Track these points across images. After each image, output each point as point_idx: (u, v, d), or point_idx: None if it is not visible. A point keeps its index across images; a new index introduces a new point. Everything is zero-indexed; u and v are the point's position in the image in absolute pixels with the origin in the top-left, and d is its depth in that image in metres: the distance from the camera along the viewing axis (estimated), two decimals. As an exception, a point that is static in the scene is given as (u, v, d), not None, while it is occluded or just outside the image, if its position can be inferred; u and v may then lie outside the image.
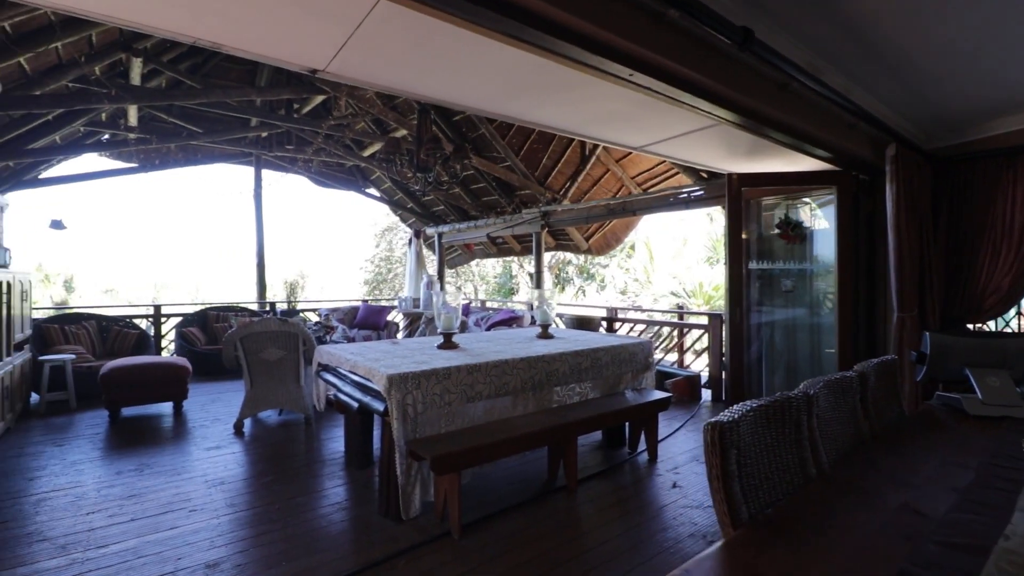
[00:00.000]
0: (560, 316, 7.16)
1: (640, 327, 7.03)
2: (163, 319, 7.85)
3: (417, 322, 10.02)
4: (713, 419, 1.24)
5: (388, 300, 12.41)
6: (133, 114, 7.15)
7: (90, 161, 7.60)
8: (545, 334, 3.98)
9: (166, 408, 5.09)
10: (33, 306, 6.57)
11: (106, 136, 7.19)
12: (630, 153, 7.44)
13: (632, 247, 14.74)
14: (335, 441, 4.08)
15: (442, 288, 10.10)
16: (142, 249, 25.28)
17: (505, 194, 8.38)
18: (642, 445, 3.76)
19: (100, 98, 5.24)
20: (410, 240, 10.87)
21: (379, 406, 2.63)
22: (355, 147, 8.67)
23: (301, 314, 9.14)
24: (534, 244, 8.00)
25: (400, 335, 10.02)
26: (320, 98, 7.11)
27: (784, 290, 3.88)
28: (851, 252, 3.50)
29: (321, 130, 6.77)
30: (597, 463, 3.57)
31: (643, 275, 14.17)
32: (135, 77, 5.64)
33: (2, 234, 6.79)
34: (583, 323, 5.96)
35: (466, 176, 8.71)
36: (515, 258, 16.49)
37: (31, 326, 5.42)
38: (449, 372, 2.76)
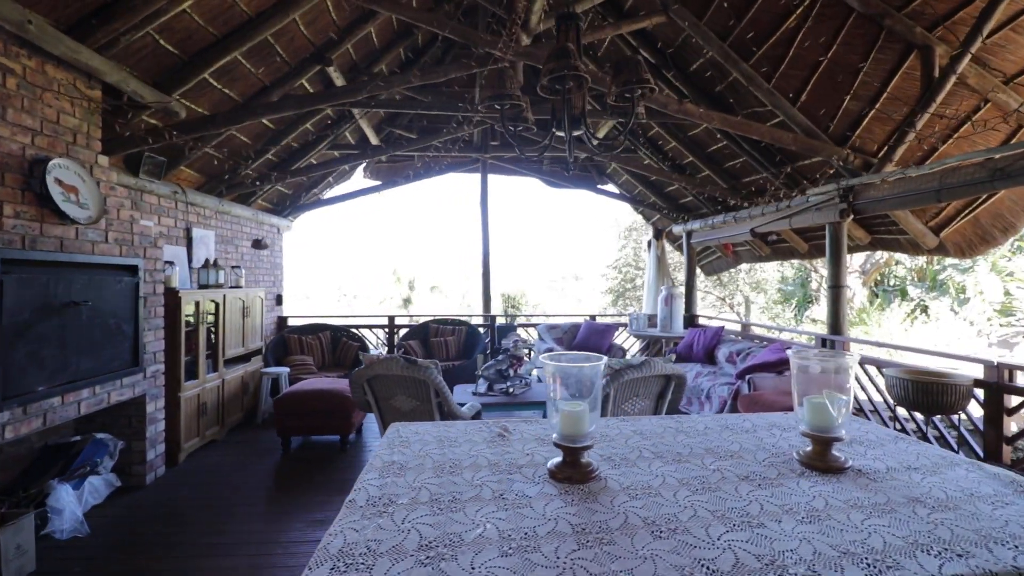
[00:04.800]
0: (861, 360, 4.20)
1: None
2: (396, 330, 8.09)
3: (655, 347, 8.02)
4: None
5: (627, 315, 10.67)
6: (372, 135, 7.48)
7: (347, 184, 8.43)
8: (825, 462, 1.56)
9: (335, 439, 4.70)
10: (288, 314, 7.39)
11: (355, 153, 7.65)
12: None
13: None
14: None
15: (689, 304, 7.82)
16: (398, 256, 29.29)
17: (773, 166, 5.69)
18: None
19: (317, 98, 5.22)
20: (649, 242, 8.95)
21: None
22: (587, 139, 7.33)
23: (518, 329, 8.33)
24: (828, 241, 5.10)
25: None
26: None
27: None
28: None
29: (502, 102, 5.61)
30: None
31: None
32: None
33: (281, 255, 7.92)
34: (930, 392, 3.09)
35: (715, 150, 6.32)
36: (808, 261, 12.51)
37: (262, 338, 5.82)
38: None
